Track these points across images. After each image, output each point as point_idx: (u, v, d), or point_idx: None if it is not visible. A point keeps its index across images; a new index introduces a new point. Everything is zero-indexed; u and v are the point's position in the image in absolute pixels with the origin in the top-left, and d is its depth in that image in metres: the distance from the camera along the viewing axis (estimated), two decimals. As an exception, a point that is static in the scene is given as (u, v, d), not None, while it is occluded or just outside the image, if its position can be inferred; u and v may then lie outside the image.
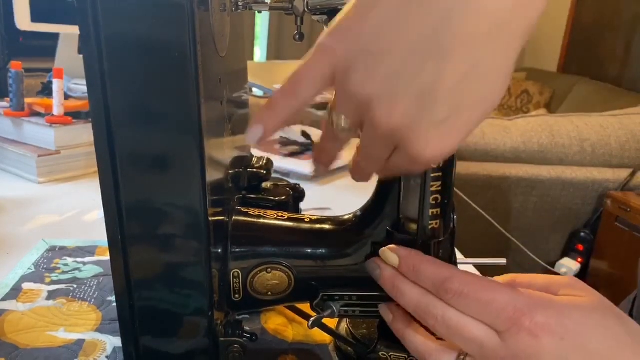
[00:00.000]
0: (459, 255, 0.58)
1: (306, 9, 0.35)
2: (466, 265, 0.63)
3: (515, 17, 0.25)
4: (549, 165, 1.61)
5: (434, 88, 0.25)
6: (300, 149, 1.08)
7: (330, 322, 0.44)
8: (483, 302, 0.31)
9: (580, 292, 0.32)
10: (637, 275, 0.51)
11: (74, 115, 0.88)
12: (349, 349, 0.43)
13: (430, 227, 0.36)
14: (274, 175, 0.50)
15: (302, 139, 1.14)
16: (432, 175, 0.35)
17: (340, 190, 0.94)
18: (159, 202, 0.34)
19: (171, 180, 0.33)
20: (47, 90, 0.98)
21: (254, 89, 1.24)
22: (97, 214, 0.73)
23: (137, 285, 0.35)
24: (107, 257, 0.35)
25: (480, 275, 0.34)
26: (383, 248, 0.36)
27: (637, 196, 1.59)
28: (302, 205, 0.50)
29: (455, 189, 0.38)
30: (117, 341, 0.44)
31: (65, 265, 0.57)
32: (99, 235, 0.65)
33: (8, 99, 0.90)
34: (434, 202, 0.36)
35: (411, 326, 0.36)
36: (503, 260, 0.40)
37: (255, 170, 0.48)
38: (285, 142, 1.12)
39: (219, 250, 0.38)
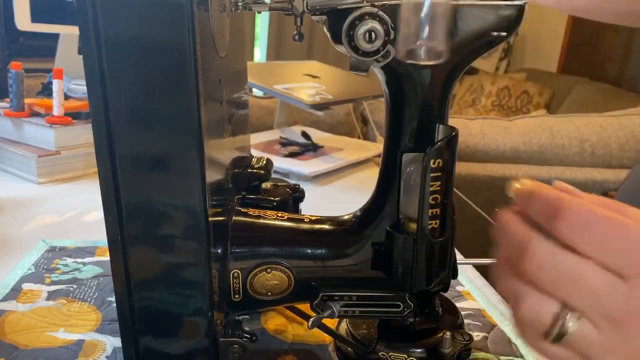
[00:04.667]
0: (459, 255, 0.58)
1: (306, 9, 0.35)
2: (466, 265, 0.63)
3: None
4: (549, 165, 1.61)
5: None
6: (300, 149, 1.08)
7: (330, 322, 0.44)
8: (615, 238, 0.25)
9: None
10: None
11: (74, 115, 0.88)
12: (349, 349, 0.43)
13: (430, 227, 0.36)
14: (274, 175, 0.50)
15: (302, 139, 1.14)
16: (432, 175, 0.35)
17: (340, 190, 0.94)
18: (159, 203, 0.34)
19: (171, 180, 0.33)
20: (47, 91, 0.98)
21: (254, 89, 1.24)
22: (97, 214, 0.73)
23: (137, 285, 0.35)
24: (107, 258, 0.35)
25: None
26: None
27: (637, 196, 1.59)
28: (302, 206, 0.50)
29: (455, 189, 0.38)
30: (117, 341, 0.44)
31: (65, 265, 0.57)
32: (99, 236, 0.65)
33: (8, 100, 0.90)
34: (433, 202, 0.36)
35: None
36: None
37: (255, 170, 0.48)
38: (285, 143, 1.12)
39: (219, 251, 0.38)
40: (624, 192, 0.56)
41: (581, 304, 0.25)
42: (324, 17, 0.35)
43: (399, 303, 0.39)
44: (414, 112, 0.37)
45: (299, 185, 0.50)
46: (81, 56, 0.31)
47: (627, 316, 0.24)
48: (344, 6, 0.34)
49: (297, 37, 0.38)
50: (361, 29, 0.33)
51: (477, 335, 0.49)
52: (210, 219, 0.34)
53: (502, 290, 0.29)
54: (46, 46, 1.13)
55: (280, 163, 0.97)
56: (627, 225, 0.25)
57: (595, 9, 0.64)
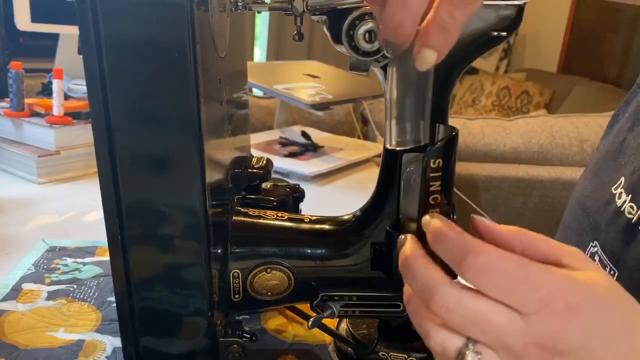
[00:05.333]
0: (459, 256, 0.58)
1: (305, 9, 0.35)
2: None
3: None
4: (549, 165, 1.61)
5: None
6: (300, 149, 1.08)
7: (330, 322, 0.44)
8: (514, 279, 0.27)
9: (586, 265, 0.30)
10: None
11: (74, 115, 0.88)
12: (349, 349, 0.43)
13: (430, 227, 0.36)
14: (274, 175, 0.50)
15: (302, 139, 1.14)
16: (432, 175, 0.35)
17: (340, 190, 0.94)
18: (159, 203, 0.34)
19: (171, 180, 0.33)
20: (47, 91, 0.98)
21: (254, 89, 1.24)
22: (97, 214, 0.73)
23: (137, 285, 0.35)
24: (107, 258, 0.35)
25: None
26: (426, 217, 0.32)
27: (637, 196, 1.58)
28: (302, 206, 0.50)
29: (455, 189, 0.38)
30: (117, 341, 0.44)
31: (65, 265, 0.57)
32: (99, 236, 0.65)
33: (8, 100, 0.90)
34: (433, 202, 0.36)
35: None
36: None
37: (255, 170, 0.48)
38: (285, 143, 1.12)
39: (219, 251, 0.38)
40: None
41: (484, 339, 0.28)
42: (324, 17, 0.35)
43: (399, 303, 0.39)
44: (414, 112, 0.37)
45: (299, 185, 0.50)
46: (81, 56, 0.31)
47: (524, 348, 0.27)
48: (344, 6, 0.34)
49: (297, 37, 0.38)
50: (361, 29, 0.33)
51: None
52: (210, 219, 0.34)
53: (414, 322, 0.32)
54: (46, 46, 1.13)
55: (280, 163, 0.97)
56: (526, 267, 0.28)
57: None
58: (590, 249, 0.49)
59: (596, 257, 0.48)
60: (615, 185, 0.49)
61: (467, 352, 0.28)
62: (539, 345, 0.27)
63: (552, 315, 0.27)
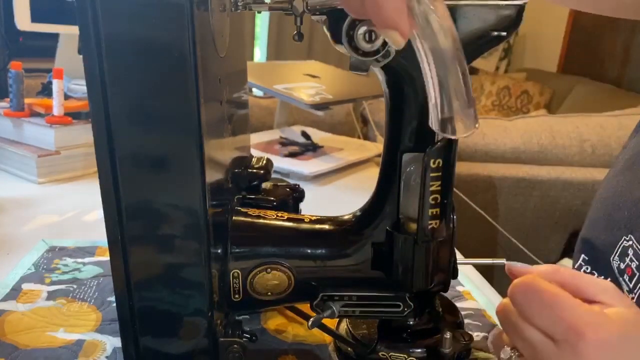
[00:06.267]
0: (459, 256, 0.58)
1: (305, 9, 0.35)
2: (466, 265, 0.63)
3: None
4: (549, 165, 1.61)
5: None
6: (300, 149, 1.08)
7: (330, 322, 0.44)
8: (545, 306, 0.33)
9: (619, 301, 0.34)
10: None
11: (74, 115, 0.88)
12: (349, 349, 0.43)
13: (430, 227, 0.36)
14: (274, 175, 0.50)
15: (302, 139, 1.14)
16: (432, 175, 0.35)
17: (340, 190, 0.94)
18: (159, 203, 0.34)
19: (171, 180, 0.33)
20: (47, 91, 0.98)
21: (254, 89, 1.24)
22: (97, 214, 0.73)
23: (137, 285, 0.35)
24: (107, 258, 0.35)
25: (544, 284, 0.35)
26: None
27: (637, 196, 1.58)
28: (302, 206, 0.50)
29: (455, 189, 0.38)
30: (117, 341, 0.44)
31: (65, 265, 0.57)
32: (99, 236, 0.65)
33: (8, 100, 0.90)
34: (433, 202, 0.36)
35: None
36: (503, 261, 0.40)
37: (255, 170, 0.48)
38: (285, 143, 1.12)
39: (219, 251, 0.38)
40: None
41: (524, 352, 0.35)
42: (324, 17, 0.35)
43: (399, 303, 0.39)
44: (414, 112, 0.37)
45: (299, 185, 0.50)
46: (81, 56, 0.31)
47: None
48: (344, 6, 0.34)
49: (297, 37, 0.38)
50: (361, 29, 0.33)
51: (477, 335, 0.48)
52: (210, 219, 0.34)
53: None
54: (46, 46, 1.13)
55: (280, 163, 0.97)
56: (557, 296, 0.33)
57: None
58: (622, 242, 0.50)
59: (630, 251, 0.49)
60: None
61: (513, 357, 0.37)
62: None
63: (584, 346, 0.31)
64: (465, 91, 0.28)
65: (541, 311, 0.33)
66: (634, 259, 0.46)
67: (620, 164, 0.57)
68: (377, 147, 1.19)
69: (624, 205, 0.52)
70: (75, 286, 0.53)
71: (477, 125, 0.29)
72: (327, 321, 0.41)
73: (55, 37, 1.06)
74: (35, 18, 0.95)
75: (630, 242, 0.49)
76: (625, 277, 0.48)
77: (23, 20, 0.94)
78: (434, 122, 0.29)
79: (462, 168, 1.55)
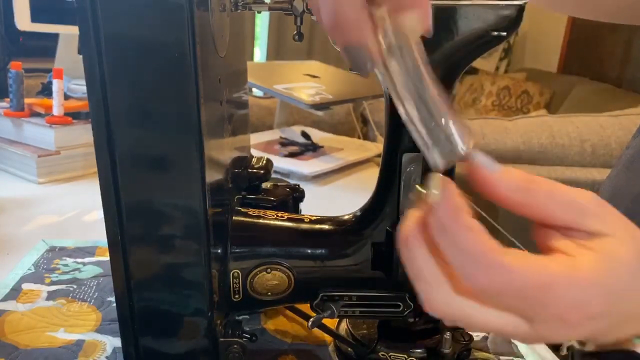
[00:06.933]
0: (459, 256, 0.58)
1: (305, 9, 0.35)
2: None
3: None
4: (549, 165, 1.61)
5: None
6: (300, 149, 1.08)
7: (330, 322, 0.44)
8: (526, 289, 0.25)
9: (611, 226, 0.27)
10: None
11: (74, 115, 0.88)
12: (349, 349, 0.43)
13: (430, 227, 0.36)
14: (274, 175, 0.50)
15: (302, 139, 1.14)
16: (432, 175, 0.35)
17: (340, 190, 0.94)
18: (159, 203, 0.34)
19: (171, 180, 0.33)
20: (47, 91, 0.98)
21: (254, 89, 1.24)
22: (97, 214, 0.73)
23: (136, 285, 0.35)
24: (107, 258, 0.35)
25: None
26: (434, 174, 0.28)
27: (637, 196, 1.58)
28: (302, 206, 0.50)
29: (455, 189, 0.38)
30: (117, 342, 0.44)
31: (65, 265, 0.57)
32: (99, 236, 0.65)
33: (8, 100, 0.90)
34: (433, 202, 0.36)
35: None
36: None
37: (255, 170, 0.48)
38: (285, 143, 1.12)
39: (219, 251, 0.38)
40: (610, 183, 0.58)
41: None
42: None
43: (399, 303, 0.39)
44: (414, 112, 0.37)
45: (299, 185, 0.50)
46: (81, 56, 0.31)
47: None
48: (344, 6, 0.34)
49: (297, 37, 0.38)
50: (361, 29, 0.33)
51: (477, 335, 0.48)
52: (210, 219, 0.34)
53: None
54: (46, 46, 1.13)
55: (280, 163, 0.97)
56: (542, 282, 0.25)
57: (587, 4, 0.63)
58: None
59: None
60: None
61: None
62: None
63: (566, 327, 0.26)
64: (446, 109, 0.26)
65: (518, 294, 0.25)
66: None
67: (621, 163, 0.58)
68: (377, 147, 1.19)
69: (622, 202, 0.52)
70: (75, 286, 0.53)
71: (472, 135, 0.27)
72: (327, 321, 0.41)
73: (55, 37, 1.06)
74: (35, 18, 0.95)
75: None
76: None
77: (23, 20, 0.94)
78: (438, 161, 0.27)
79: (462, 168, 1.55)
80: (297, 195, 0.49)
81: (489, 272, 0.25)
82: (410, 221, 0.28)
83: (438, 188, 0.26)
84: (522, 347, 0.47)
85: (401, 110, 0.27)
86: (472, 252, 0.25)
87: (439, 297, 0.27)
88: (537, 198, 0.27)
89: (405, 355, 0.40)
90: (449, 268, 0.27)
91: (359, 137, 1.55)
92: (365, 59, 0.27)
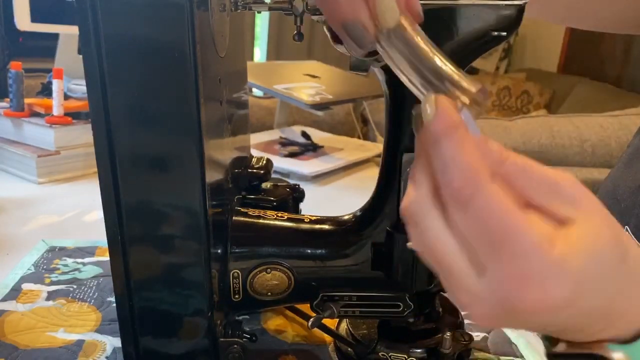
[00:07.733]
0: (459, 256, 0.58)
1: (306, 9, 0.35)
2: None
3: None
4: (549, 165, 1.61)
5: None
6: (300, 149, 1.08)
7: (330, 323, 0.44)
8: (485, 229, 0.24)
9: (585, 211, 0.25)
10: None
11: (74, 115, 0.88)
12: (349, 349, 0.43)
13: (430, 227, 0.36)
14: (274, 175, 0.50)
15: (302, 139, 1.14)
16: (432, 175, 0.35)
17: (340, 190, 0.94)
18: (159, 203, 0.34)
19: (171, 180, 0.33)
20: (47, 91, 0.98)
21: (254, 89, 1.24)
22: (97, 214, 0.73)
23: (136, 285, 0.35)
24: (107, 258, 0.35)
25: None
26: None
27: (637, 196, 1.58)
28: (302, 206, 0.50)
29: (455, 189, 0.38)
30: (116, 342, 0.44)
31: (65, 265, 0.57)
32: (99, 236, 0.65)
33: (8, 100, 0.90)
34: (433, 203, 0.36)
35: None
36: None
37: (255, 170, 0.48)
38: (285, 143, 1.12)
39: (219, 251, 0.38)
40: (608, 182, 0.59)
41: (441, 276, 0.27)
42: (324, 17, 0.35)
43: (399, 303, 0.39)
44: (414, 112, 0.37)
45: (299, 185, 0.50)
46: (81, 56, 0.31)
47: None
48: (344, 6, 0.34)
49: (297, 37, 0.38)
50: (361, 29, 0.33)
51: (477, 335, 0.48)
52: (210, 219, 0.34)
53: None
54: (46, 46, 1.13)
55: (280, 163, 0.97)
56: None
57: (578, 14, 0.63)
58: None
59: None
60: None
61: None
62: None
63: (516, 300, 0.24)
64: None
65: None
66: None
67: (621, 161, 0.58)
68: (377, 147, 1.19)
69: (621, 198, 0.52)
70: (75, 286, 0.53)
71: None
72: (327, 321, 0.41)
73: (55, 37, 1.06)
74: (35, 18, 0.95)
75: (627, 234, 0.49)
76: None
77: (23, 20, 0.94)
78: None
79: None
80: (297, 195, 0.49)
81: (468, 183, 0.24)
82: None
83: (433, 107, 0.25)
84: (522, 348, 0.47)
85: (407, 83, 0.27)
86: (459, 161, 0.24)
87: (410, 196, 0.27)
88: (508, 170, 0.26)
89: (405, 355, 0.40)
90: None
91: (359, 137, 1.55)
92: (363, 34, 0.27)
